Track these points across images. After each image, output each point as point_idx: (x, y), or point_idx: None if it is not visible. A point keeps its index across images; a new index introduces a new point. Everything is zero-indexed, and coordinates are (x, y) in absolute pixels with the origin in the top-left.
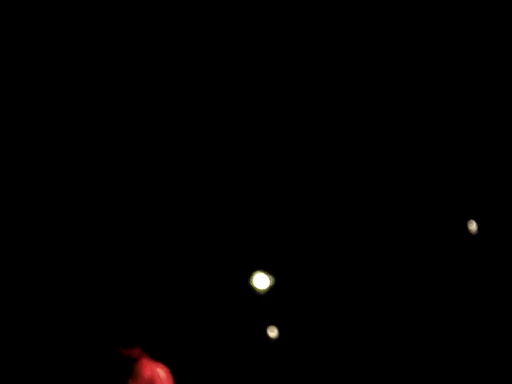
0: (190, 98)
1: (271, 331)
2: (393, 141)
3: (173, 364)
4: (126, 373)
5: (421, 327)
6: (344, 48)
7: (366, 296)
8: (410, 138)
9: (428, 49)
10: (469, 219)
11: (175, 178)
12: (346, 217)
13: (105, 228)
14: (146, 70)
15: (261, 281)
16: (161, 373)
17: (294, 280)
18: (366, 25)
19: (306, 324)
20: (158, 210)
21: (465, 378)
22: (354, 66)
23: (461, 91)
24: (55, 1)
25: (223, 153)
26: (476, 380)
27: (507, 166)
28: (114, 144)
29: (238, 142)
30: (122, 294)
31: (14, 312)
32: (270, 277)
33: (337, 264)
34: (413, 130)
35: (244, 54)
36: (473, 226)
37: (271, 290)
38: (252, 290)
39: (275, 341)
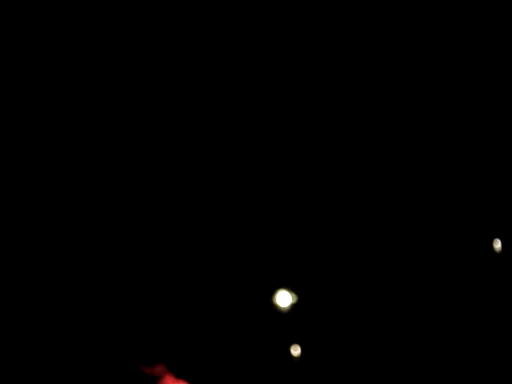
0: (189, 97)
1: (294, 350)
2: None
3: (196, 382)
4: None
5: (440, 332)
6: (344, 48)
7: (389, 316)
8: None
9: (428, 49)
10: (494, 238)
11: (187, 191)
12: (364, 231)
13: (122, 236)
14: (145, 69)
15: (283, 299)
16: None
17: (316, 298)
18: (366, 25)
19: (328, 342)
20: (175, 228)
21: (465, 378)
22: (354, 65)
23: (461, 91)
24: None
25: (234, 166)
26: (476, 380)
27: None
28: (114, 144)
29: (242, 142)
30: (145, 311)
31: (29, 329)
32: (293, 294)
33: (357, 282)
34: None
35: (244, 54)
36: (498, 245)
37: (294, 307)
38: (275, 308)
39: (298, 359)
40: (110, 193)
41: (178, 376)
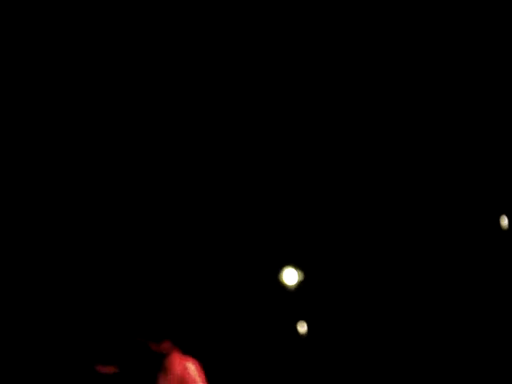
0: (189, 97)
1: (301, 326)
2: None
3: (203, 359)
4: (156, 368)
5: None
6: (344, 48)
7: (394, 293)
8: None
9: (428, 49)
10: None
11: (197, 175)
12: (370, 213)
13: (131, 218)
14: (145, 69)
15: (290, 276)
16: (191, 367)
17: (322, 275)
18: (366, 25)
19: (334, 319)
20: (183, 206)
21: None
22: (354, 65)
23: (461, 91)
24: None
25: (242, 152)
26: (476, 380)
27: None
28: (113, 144)
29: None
30: (152, 288)
31: (39, 312)
32: (299, 272)
33: (362, 261)
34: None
35: (244, 54)
36: (505, 222)
37: (300, 285)
38: (281, 285)
39: (305, 336)
40: (110, 192)
41: (184, 352)
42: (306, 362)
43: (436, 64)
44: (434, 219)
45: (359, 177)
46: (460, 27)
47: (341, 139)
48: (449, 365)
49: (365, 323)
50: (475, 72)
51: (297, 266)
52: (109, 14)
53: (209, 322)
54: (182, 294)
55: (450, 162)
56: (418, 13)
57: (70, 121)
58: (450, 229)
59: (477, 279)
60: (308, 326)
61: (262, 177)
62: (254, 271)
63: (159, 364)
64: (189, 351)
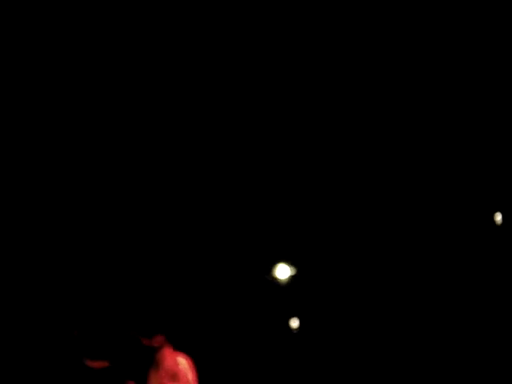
0: (189, 97)
1: (293, 322)
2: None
3: (195, 354)
4: (148, 362)
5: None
6: (344, 48)
7: (388, 288)
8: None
9: (428, 49)
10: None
11: (195, 170)
12: (364, 207)
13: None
14: (145, 69)
15: (282, 271)
16: (183, 362)
17: (314, 270)
18: (366, 25)
19: (326, 314)
20: (175, 201)
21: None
22: (354, 65)
23: (461, 91)
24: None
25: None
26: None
27: None
28: (113, 144)
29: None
30: (144, 283)
31: (31, 306)
32: (291, 267)
33: (356, 254)
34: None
35: (244, 54)
36: (498, 218)
37: (292, 280)
38: (274, 280)
39: (297, 331)
40: (103, 187)
41: (176, 348)
42: (298, 357)
43: (436, 64)
44: (427, 214)
45: (352, 170)
46: (460, 27)
47: (338, 136)
48: (443, 361)
49: (357, 319)
50: (475, 72)
51: (289, 261)
52: (109, 13)
53: (201, 317)
54: (175, 288)
55: (449, 162)
56: (418, 13)
57: (69, 120)
58: (444, 225)
59: (474, 277)
60: (300, 321)
61: (255, 172)
62: (246, 266)
63: (151, 359)
64: (181, 346)
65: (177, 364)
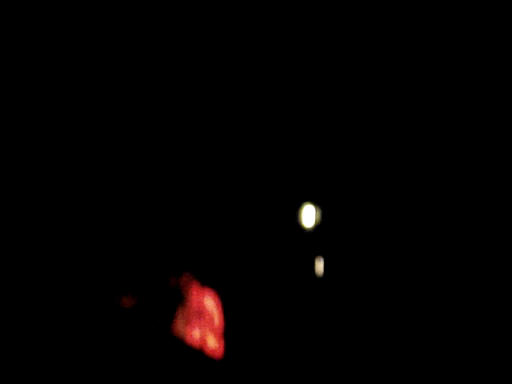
0: (189, 97)
1: (318, 267)
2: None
3: (223, 292)
4: (174, 301)
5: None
6: (344, 48)
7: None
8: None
9: (428, 49)
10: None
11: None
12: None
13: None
14: (145, 69)
15: (308, 216)
16: (209, 300)
17: (341, 216)
18: (366, 25)
19: (351, 261)
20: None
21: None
22: (354, 65)
23: (461, 91)
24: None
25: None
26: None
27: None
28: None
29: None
30: (170, 222)
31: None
32: (318, 212)
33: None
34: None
35: (244, 53)
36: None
37: (318, 226)
38: (299, 225)
39: (321, 276)
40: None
41: (204, 286)
42: (322, 301)
43: (436, 64)
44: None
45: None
46: (460, 27)
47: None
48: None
49: (381, 264)
50: (475, 72)
51: (315, 205)
52: (109, 13)
53: (227, 258)
54: (202, 229)
55: (448, 162)
56: (418, 13)
57: (69, 121)
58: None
59: (473, 277)
60: (325, 265)
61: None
62: (272, 210)
63: (177, 297)
64: (208, 284)
65: (203, 302)
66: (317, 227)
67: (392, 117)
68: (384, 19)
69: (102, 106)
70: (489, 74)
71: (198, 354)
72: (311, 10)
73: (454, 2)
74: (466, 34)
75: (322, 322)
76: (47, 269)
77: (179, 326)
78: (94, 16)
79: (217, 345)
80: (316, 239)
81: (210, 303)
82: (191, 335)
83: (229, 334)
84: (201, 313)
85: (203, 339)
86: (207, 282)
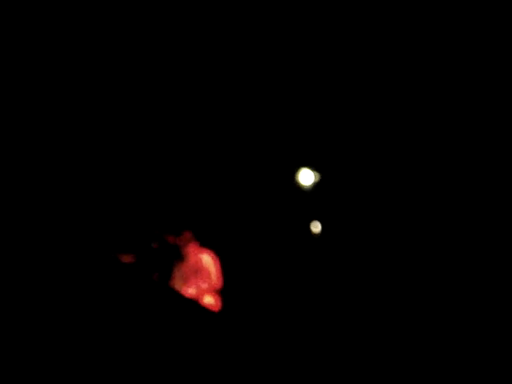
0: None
1: (315, 227)
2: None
3: (221, 251)
4: (172, 258)
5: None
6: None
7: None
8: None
9: (428, 49)
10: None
11: None
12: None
13: None
14: (145, 69)
15: (306, 177)
16: (207, 259)
17: (339, 176)
18: (366, 25)
19: (349, 221)
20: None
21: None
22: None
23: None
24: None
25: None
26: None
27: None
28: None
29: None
30: (171, 181)
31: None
32: (315, 173)
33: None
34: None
35: (244, 53)
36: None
37: (316, 186)
38: (297, 185)
39: (318, 236)
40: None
41: (203, 245)
42: (319, 261)
43: (436, 64)
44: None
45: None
46: (460, 27)
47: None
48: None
49: (378, 227)
50: (475, 72)
51: (313, 167)
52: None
53: (227, 217)
54: (201, 189)
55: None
56: (418, 13)
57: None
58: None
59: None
60: (322, 226)
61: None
62: (270, 171)
63: (175, 254)
64: (207, 243)
65: (200, 260)
66: (314, 188)
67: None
68: (384, 19)
69: (102, 106)
70: (489, 74)
71: (194, 308)
72: (311, 10)
73: (454, 2)
74: (466, 33)
75: (318, 281)
76: (47, 221)
77: (176, 282)
78: (94, 16)
79: (213, 301)
80: (313, 200)
81: (207, 261)
82: (188, 291)
83: (226, 290)
84: (198, 270)
85: (200, 296)
86: (206, 241)
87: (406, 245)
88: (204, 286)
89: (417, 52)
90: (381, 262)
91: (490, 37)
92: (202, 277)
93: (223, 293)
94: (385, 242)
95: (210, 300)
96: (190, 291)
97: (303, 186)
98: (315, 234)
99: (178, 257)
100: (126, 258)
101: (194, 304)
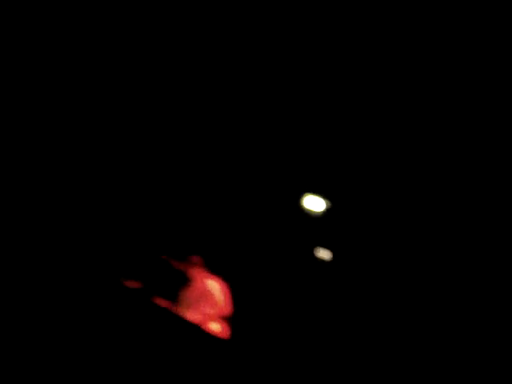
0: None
1: (324, 254)
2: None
3: (230, 278)
4: (178, 283)
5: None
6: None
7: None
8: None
9: (428, 49)
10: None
11: None
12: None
13: None
14: (145, 69)
15: (315, 203)
16: (214, 285)
17: (348, 203)
18: (366, 25)
19: (359, 247)
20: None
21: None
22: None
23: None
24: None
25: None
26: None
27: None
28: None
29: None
30: (182, 204)
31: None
32: (325, 199)
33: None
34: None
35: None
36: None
37: (325, 212)
38: (306, 212)
39: (328, 263)
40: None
41: (212, 271)
42: (328, 288)
43: (436, 64)
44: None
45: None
46: (460, 27)
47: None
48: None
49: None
50: (475, 72)
51: (322, 193)
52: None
53: (235, 244)
54: (210, 215)
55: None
56: (418, 13)
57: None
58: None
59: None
60: (332, 253)
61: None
62: (279, 197)
63: (183, 280)
64: (217, 270)
65: (207, 286)
66: (324, 214)
67: (401, 110)
68: (384, 19)
69: (101, 106)
70: (489, 74)
71: (198, 334)
72: (311, 10)
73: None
74: (466, 34)
75: (326, 308)
76: (54, 249)
77: (181, 307)
78: (94, 16)
79: (220, 328)
80: (322, 226)
81: (214, 287)
82: (192, 317)
83: (235, 318)
84: (204, 296)
85: (205, 322)
86: (214, 267)
87: (417, 272)
88: (210, 312)
89: (417, 53)
90: (391, 290)
91: (489, 37)
92: (209, 303)
93: (231, 320)
94: (395, 268)
95: (216, 326)
96: (194, 317)
97: (312, 212)
98: (324, 262)
99: (183, 282)
100: (132, 284)
101: (198, 330)
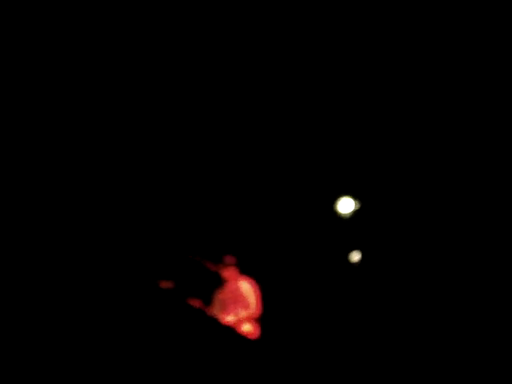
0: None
1: (354, 256)
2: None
3: (261, 279)
4: (212, 285)
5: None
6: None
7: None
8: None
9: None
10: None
11: None
12: None
13: None
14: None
15: (346, 205)
16: (246, 287)
17: (378, 205)
18: (366, 25)
19: (389, 249)
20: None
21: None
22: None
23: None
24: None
25: None
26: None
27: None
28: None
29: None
30: (217, 207)
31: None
32: (356, 201)
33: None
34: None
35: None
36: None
37: (356, 214)
38: (337, 214)
39: (358, 265)
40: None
41: (244, 273)
42: (358, 291)
43: (436, 64)
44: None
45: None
46: (460, 27)
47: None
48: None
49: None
50: (475, 72)
51: (353, 195)
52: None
53: (268, 247)
54: (243, 218)
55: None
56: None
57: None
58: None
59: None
60: (362, 255)
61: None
62: (311, 201)
63: (216, 281)
64: (248, 272)
65: (240, 288)
66: (354, 216)
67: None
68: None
69: (102, 106)
70: (489, 74)
71: (231, 335)
72: (311, 10)
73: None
74: (466, 34)
75: (356, 310)
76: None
77: (215, 309)
78: (94, 16)
79: (252, 329)
80: (353, 228)
81: (247, 289)
82: (226, 319)
83: (266, 319)
84: (237, 298)
85: (238, 323)
86: (246, 269)
87: (445, 270)
88: (243, 313)
89: (417, 53)
90: (420, 291)
91: (490, 37)
92: (241, 304)
93: (262, 321)
94: (424, 269)
95: (248, 328)
96: (228, 318)
97: (343, 214)
98: (355, 263)
99: (217, 284)
100: (166, 284)
101: (231, 331)
